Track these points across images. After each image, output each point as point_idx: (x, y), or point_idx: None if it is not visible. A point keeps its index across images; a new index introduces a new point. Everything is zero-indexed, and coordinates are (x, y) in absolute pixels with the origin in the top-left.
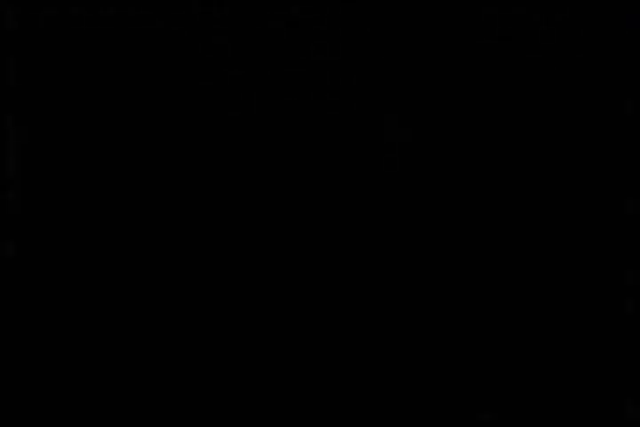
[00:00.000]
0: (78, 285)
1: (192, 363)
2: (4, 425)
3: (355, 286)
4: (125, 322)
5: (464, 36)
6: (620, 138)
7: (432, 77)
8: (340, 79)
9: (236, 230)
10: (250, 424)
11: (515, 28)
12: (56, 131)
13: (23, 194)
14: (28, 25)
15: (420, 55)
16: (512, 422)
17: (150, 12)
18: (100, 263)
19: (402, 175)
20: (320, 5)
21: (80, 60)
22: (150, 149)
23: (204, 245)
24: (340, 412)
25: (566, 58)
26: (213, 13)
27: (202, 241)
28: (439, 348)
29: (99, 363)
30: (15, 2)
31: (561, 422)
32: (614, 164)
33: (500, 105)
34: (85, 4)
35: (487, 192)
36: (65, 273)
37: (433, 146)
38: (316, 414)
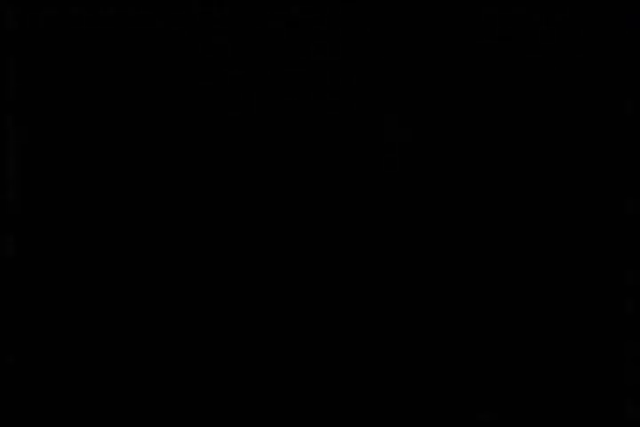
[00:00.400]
0: (79, 284)
1: (192, 362)
2: (3, 425)
3: (354, 285)
4: (126, 321)
5: (464, 36)
6: (620, 138)
7: (432, 77)
8: (339, 79)
9: (235, 230)
10: (250, 424)
11: (515, 28)
12: (56, 131)
13: (23, 194)
14: (28, 25)
15: (420, 55)
16: (512, 422)
17: (150, 12)
18: (101, 263)
19: (402, 175)
20: (320, 5)
21: (80, 60)
22: (150, 149)
23: (204, 243)
24: (338, 412)
25: (566, 58)
26: (213, 13)
27: (203, 238)
28: (439, 347)
29: (99, 362)
30: (15, 2)
31: (561, 422)
32: (614, 164)
33: (500, 105)
34: (85, 4)
35: (487, 192)
36: (65, 273)
37: (433, 146)
38: (315, 414)
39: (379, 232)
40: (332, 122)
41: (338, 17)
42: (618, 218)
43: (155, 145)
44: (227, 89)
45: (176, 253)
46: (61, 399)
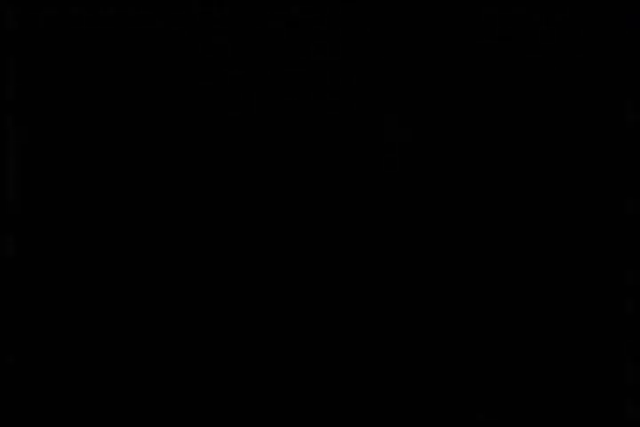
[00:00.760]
0: (78, 284)
1: (192, 362)
2: (3, 425)
3: (354, 285)
4: (126, 321)
5: (464, 36)
6: (621, 138)
7: (432, 77)
8: (339, 79)
9: (235, 230)
10: (250, 424)
11: (515, 28)
12: (56, 131)
13: (23, 194)
14: (28, 25)
15: (420, 55)
16: (511, 422)
17: (150, 12)
18: (101, 263)
19: (402, 175)
20: (320, 5)
21: (80, 60)
22: (150, 149)
23: (204, 242)
24: (338, 412)
25: (566, 58)
26: (213, 13)
27: (203, 238)
28: (439, 347)
29: (99, 362)
30: (15, 2)
31: (561, 422)
32: (614, 164)
33: (500, 105)
34: (85, 4)
35: (487, 192)
36: (65, 273)
37: (433, 146)
38: (314, 414)
39: (379, 232)
40: (332, 122)
41: (338, 17)
42: (618, 218)
43: (155, 145)
44: (227, 89)
45: (176, 252)
46: (61, 399)
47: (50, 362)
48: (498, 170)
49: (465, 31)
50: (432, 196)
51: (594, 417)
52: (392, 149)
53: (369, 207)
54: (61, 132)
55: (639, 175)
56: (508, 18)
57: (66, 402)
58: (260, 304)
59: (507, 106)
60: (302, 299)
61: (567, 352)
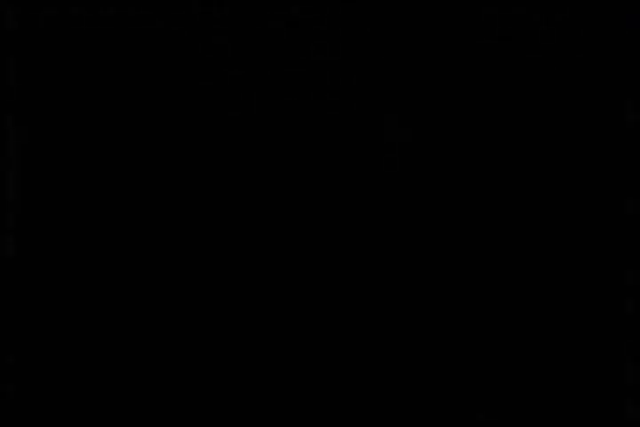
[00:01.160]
0: (79, 284)
1: (192, 363)
2: (4, 425)
3: (354, 285)
4: (126, 321)
5: (464, 36)
6: (620, 138)
7: (432, 77)
8: (339, 79)
9: (235, 230)
10: (250, 424)
11: (515, 28)
12: (56, 131)
13: (23, 194)
14: (28, 25)
15: (420, 55)
16: (511, 422)
17: (150, 12)
18: (101, 263)
19: (402, 175)
20: (320, 5)
21: (80, 60)
22: (150, 149)
23: (204, 243)
24: (337, 412)
25: (566, 58)
26: (213, 13)
27: (203, 239)
28: (440, 347)
29: (99, 362)
30: (15, 2)
31: (560, 422)
32: (614, 164)
33: (500, 105)
34: (85, 4)
35: (487, 192)
36: (65, 273)
37: (433, 146)
38: (313, 414)
39: (378, 232)
40: (333, 122)
41: (338, 17)
42: (618, 218)
43: (155, 145)
44: (227, 89)
45: (176, 252)
46: (61, 399)
47: (50, 362)
48: (498, 170)
49: (465, 31)
50: (432, 195)
51: (594, 417)
52: (392, 149)
53: (369, 207)
54: (61, 132)
55: (639, 175)
56: (508, 18)
57: (66, 402)
58: (260, 304)
59: (507, 106)
60: (303, 298)
61: (567, 352)
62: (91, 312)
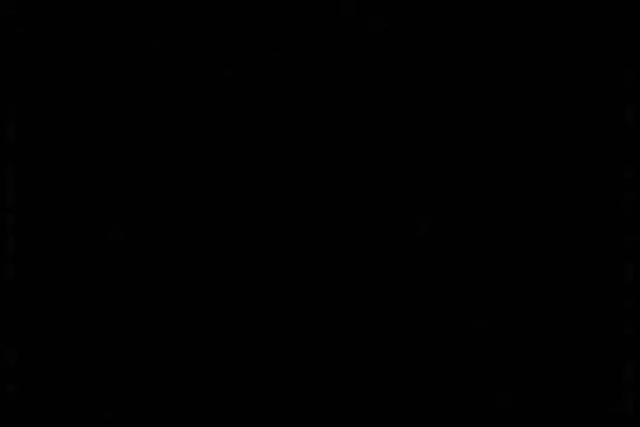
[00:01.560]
0: (79, 285)
1: (192, 364)
2: (4, 425)
3: (354, 285)
4: (127, 323)
5: (464, 36)
6: (620, 138)
7: (432, 77)
8: (339, 79)
9: (235, 230)
10: (250, 424)
11: (514, 28)
12: (56, 130)
13: (23, 194)
14: (28, 25)
15: (420, 55)
16: (510, 419)
17: (150, 11)
18: (101, 264)
19: (402, 175)
20: (320, 5)
21: (80, 59)
22: (151, 151)
23: (205, 244)
24: (337, 412)
25: (566, 57)
26: (213, 13)
27: (203, 240)
28: (436, 346)
29: (100, 364)
30: (15, 2)
31: (560, 420)
32: (614, 164)
33: (499, 104)
34: (85, 4)
35: (487, 191)
36: (65, 273)
37: (433, 146)
38: (314, 414)
39: (378, 231)
40: (333, 122)
41: (338, 17)
42: (617, 218)
43: (155, 146)
44: (227, 89)
45: (176, 252)
46: (61, 400)
47: (50, 363)
48: (497, 169)
49: (465, 31)
50: (432, 195)
51: (592, 415)
52: (392, 149)
53: (369, 207)
54: (61, 131)
55: (638, 175)
56: (508, 18)
57: (66, 402)
58: (260, 304)
59: (506, 105)
60: (303, 298)
61: (565, 349)
62: (91, 313)
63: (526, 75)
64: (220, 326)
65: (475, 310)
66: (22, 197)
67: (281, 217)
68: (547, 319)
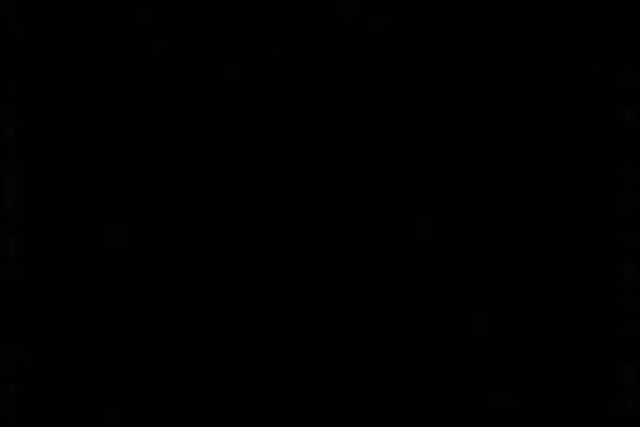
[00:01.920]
0: (79, 285)
1: (192, 363)
2: (4, 425)
3: (354, 285)
4: (126, 321)
5: (464, 36)
6: (620, 138)
7: (432, 77)
8: (339, 79)
9: (235, 230)
10: (250, 424)
11: (514, 28)
12: (56, 130)
13: (23, 195)
14: (28, 25)
15: (420, 55)
16: (510, 419)
17: (150, 11)
18: (101, 264)
19: (402, 175)
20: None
21: (80, 59)
22: (150, 151)
23: (205, 244)
24: (337, 412)
25: (566, 57)
26: (213, 13)
27: (203, 240)
28: (434, 346)
29: (100, 362)
30: (15, 2)
31: (560, 420)
32: (614, 163)
33: (498, 104)
34: (86, 4)
35: (487, 191)
36: (65, 273)
37: (432, 145)
38: (314, 414)
39: (379, 231)
40: (333, 122)
41: (338, 17)
42: (617, 218)
43: (155, 146)
44: (227, 89)
45: (176, 252)
46: (62, 400)
47: (50, 363)
48: (497, 169)
49: (465, 31)
50: (431, 195)
51: (592, 415)
52: (392, 149)
53: (369, 207)
54: (61, 131)
55: (638, 175)
56: (508, 18)
57: (66, 402)
58: (260, 303)
59: (506, 105)
60: (303, 298)
61: (566, 351)
62: (91, 313)
63: (526, 75)
64: (220, 326)
65: (475, 310)
66: (22, 197)
67: (281, 217)
68: (547, 319)
